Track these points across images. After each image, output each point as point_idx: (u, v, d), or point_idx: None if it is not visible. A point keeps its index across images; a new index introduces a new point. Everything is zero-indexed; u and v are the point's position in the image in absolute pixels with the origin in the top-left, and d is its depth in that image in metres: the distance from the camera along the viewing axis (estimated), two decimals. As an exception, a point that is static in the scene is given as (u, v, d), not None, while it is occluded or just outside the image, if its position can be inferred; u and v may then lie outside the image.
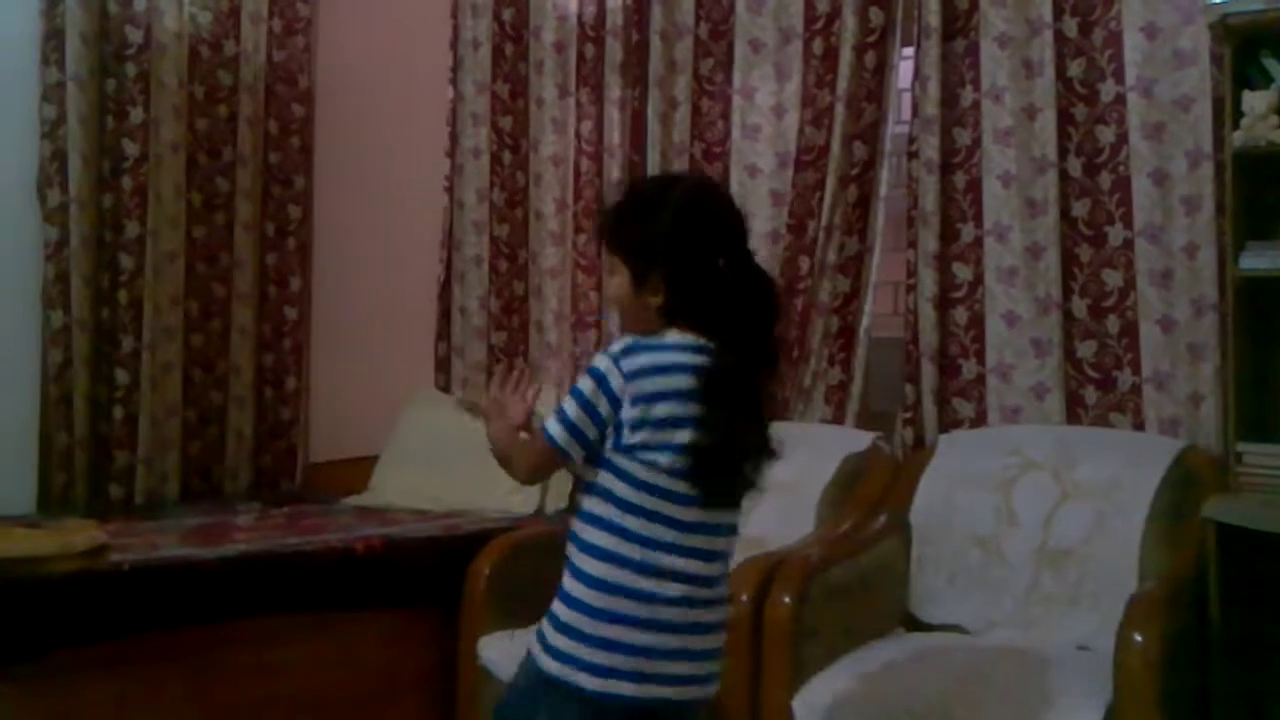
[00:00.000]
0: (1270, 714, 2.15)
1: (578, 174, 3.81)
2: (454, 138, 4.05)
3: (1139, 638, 2.13)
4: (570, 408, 1.69)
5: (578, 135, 3.82)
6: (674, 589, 1.67)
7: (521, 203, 3.95)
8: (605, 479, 1.69)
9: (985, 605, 2.72)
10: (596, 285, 3.74)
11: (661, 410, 1.67)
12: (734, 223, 1.77)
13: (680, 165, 3.61)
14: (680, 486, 1.67)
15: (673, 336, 1.72)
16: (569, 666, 1.66)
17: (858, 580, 2.68)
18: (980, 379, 3.10)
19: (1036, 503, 2.75)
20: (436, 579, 2.98)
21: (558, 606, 1.70)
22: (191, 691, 2.63)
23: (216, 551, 2.83)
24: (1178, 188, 2.87)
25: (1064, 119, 3.02)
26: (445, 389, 4.03)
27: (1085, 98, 3.00)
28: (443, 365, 4.05)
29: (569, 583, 1.70)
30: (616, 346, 1.71)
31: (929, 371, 3.13)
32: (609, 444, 1.69)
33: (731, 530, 1.76)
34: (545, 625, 1.71)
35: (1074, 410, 2.99)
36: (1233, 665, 2.41)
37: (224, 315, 4.23)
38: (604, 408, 1.68)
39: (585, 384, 1.70)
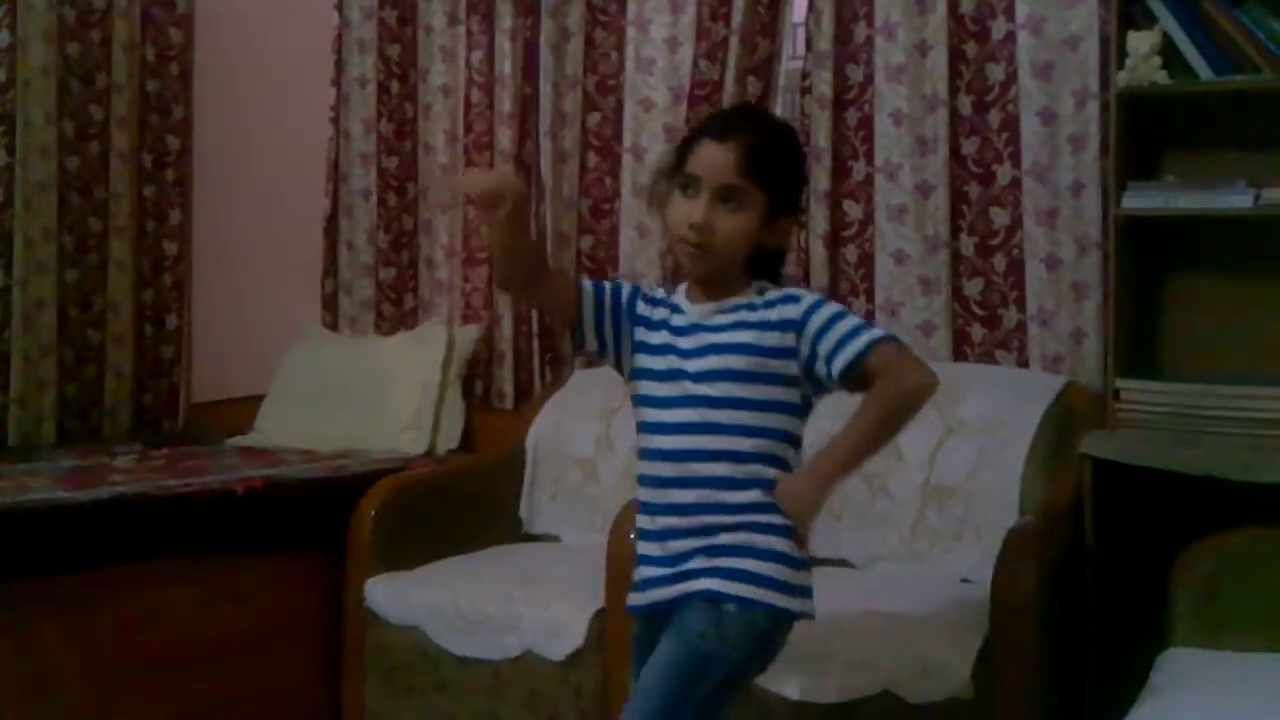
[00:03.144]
0: (1143, 646, 2.22)
1: (468, 105, 3.71)
2: (339, 66, 3.90)
3: (1016, 570, 2.17)
4: None
5: (468, 65, 3.71)
6: None
7: (410, 134, 3.84)
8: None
9: (871, 539, 2.75)
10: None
11: None
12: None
13: (574, 98, 3.53)
14: None
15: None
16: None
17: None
18: (869, 317, 3.11)
19: (921, 439, 2.77)
20: (321, 521, 2.92)
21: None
22: (65, 640, 2.53)
23: (89, 494, 2.72)
24: (1064, 127, 2.88)
25: (955, 56, 3.01)
26: (333, 326, 3.92)
27: (976, 35, 3.00)
28: (329, 302, 3.94)
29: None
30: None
31: (820, 309, 3.13)
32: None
33: None
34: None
35: (960, 348, 3.03)
36: (1108, 597, 2.49)
37: (100, 250, 4.05)
38: None
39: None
